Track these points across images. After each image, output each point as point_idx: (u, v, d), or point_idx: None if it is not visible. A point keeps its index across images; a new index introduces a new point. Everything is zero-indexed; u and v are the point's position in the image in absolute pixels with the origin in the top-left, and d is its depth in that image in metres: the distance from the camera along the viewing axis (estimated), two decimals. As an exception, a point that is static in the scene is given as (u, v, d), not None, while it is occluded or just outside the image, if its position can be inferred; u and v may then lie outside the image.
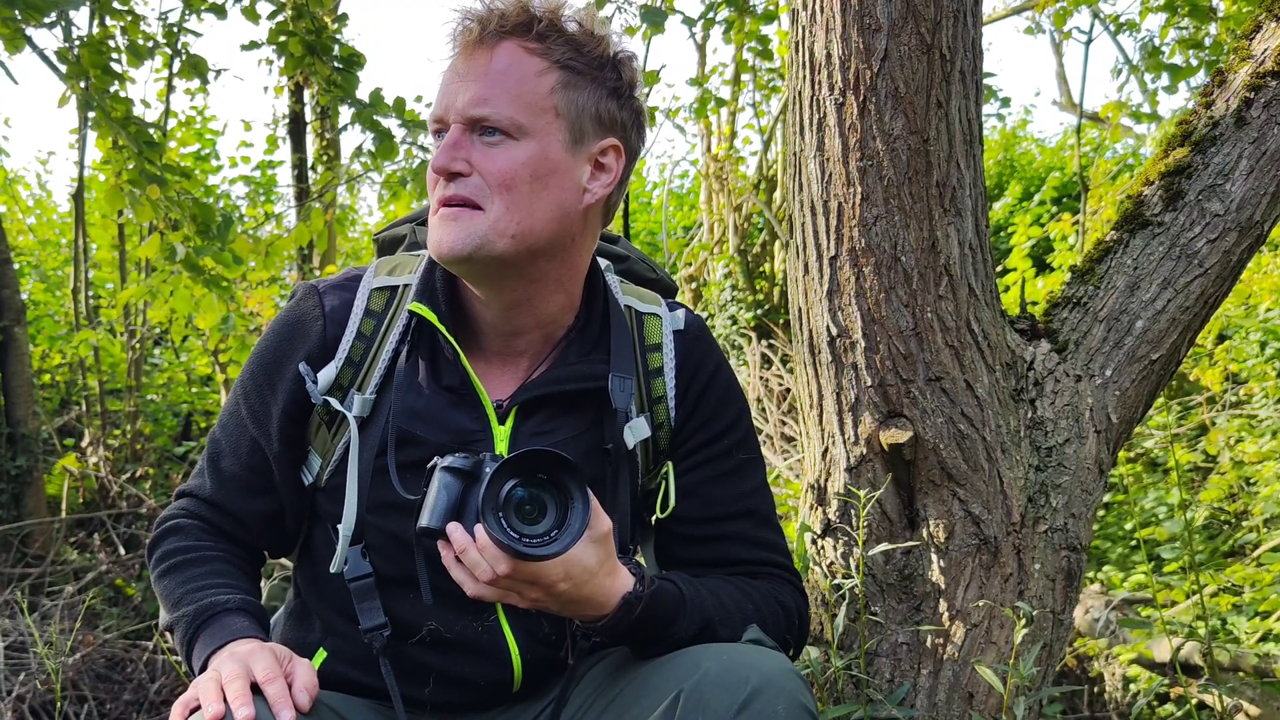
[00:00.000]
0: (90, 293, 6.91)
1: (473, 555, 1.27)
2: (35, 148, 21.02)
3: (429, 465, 1.34)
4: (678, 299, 1.67)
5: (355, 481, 1.43)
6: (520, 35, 1.39)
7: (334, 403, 1.45)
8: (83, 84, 3.88)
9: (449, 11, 1.42)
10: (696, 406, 1.54)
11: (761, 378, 5.72)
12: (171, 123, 6.95)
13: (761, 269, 7.51)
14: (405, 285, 1.51)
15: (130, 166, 3.92)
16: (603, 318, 1.52)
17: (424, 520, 1.32)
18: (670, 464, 1.53)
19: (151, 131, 4.07)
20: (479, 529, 1.26)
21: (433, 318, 1.44)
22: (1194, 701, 2.85)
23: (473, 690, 1.46)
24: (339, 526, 1.44)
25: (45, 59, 4.00)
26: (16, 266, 6.62)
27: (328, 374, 1.46)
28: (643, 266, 1.74)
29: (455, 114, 1.38)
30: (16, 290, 5.84)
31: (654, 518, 1.55)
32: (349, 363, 1.47)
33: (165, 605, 1.45)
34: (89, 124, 3.98)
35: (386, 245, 1.72)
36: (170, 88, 6.46)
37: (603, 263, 1.60)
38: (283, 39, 4.19)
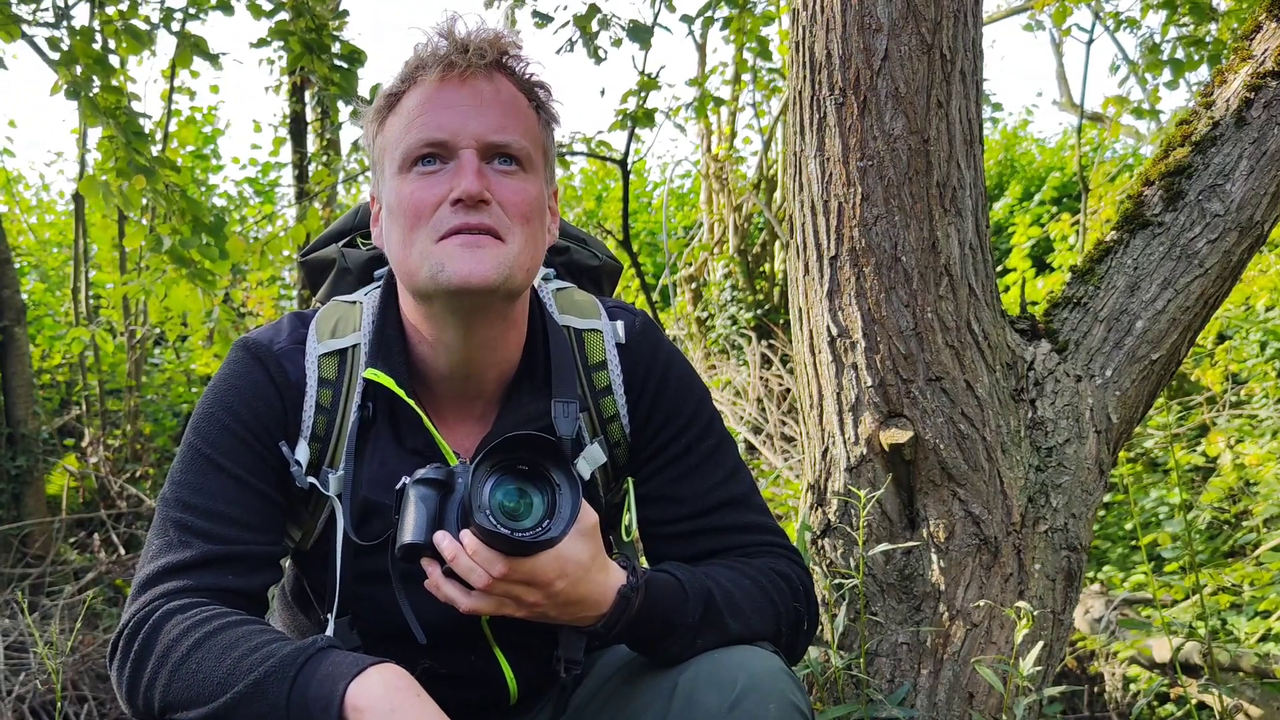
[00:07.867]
0: (90, 293, 6.91)
1: (464, 561, 1.22)
2: (43, 149, 21.09)
3: (397, 487, 1.30)
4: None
5: (339, 562, 1.38)
6: (502, 70, 1.37)
7: (319, 486, 1.39)
8: (76, 70, 3.86)
9: (420, 34, 1.37)
10: (650, 415, 1.50)
11: (761, 378, 5.72)
12: (173, 123, 6.94)
13: (761, 269, 7.51)
14: (354, 346, 1.44)
15: (120, 157, 3.90)
16: (545, 346, 1.47)
17: (405, 537, 1.25)
18: (630, 481, 1.50)
19: (142, 122, 4.04)
20: (466, 533, 1.21)
21: (394, 385, 1.38)
22: (1194, 701, 2.85)
23: (471, 710, 1.45)
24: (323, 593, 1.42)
25: (35, 46, 3.99)
26: (17, 266, 6.62)
27: (301, 454, 1.40)
28: (584, 254, 1.70)
29: (469, 139, 1.32)
30: (16, 290, 5.84)
31: (624, 539, 1.51)
32: (315, 438, 1.41)
33: (218, 680, 1.21)
34: (84, 117, 3.96)
35: (316, 270, 1.67)
36: (174, 88, 6.45)
37: (540, 272, 1.54)
38: (285, 36, 4.19)
